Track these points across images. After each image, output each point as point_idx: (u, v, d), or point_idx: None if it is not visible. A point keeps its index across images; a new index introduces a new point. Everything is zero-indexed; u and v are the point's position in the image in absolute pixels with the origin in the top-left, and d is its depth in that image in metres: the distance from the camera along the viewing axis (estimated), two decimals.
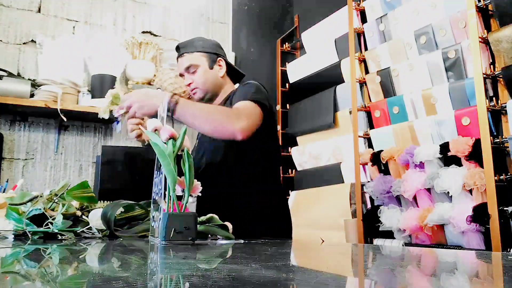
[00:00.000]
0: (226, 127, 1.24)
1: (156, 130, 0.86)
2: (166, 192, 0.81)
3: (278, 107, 3.21)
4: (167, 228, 0.75)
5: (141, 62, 2.82)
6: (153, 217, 0.86)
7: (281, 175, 2.90)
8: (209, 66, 1.57)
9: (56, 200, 0.97)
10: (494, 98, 1.78)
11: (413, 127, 2.07)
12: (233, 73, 1.67)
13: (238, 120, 1.26)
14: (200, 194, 0.85)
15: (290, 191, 2.82)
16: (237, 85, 1.65)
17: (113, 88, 1.88)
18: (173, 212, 0.79)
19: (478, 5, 1.84)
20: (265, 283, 0.39)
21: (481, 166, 1.75)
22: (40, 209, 0.91)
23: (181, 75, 1.59)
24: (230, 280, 0.41)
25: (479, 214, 1.69)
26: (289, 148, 2.93)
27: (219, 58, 1.60)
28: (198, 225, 0.80)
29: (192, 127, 1.25)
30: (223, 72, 1.60)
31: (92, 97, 2.57)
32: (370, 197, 2.28)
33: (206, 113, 1.27)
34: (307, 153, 2.76)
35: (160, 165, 0.84)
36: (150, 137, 0.85)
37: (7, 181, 1.65)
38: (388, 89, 2.27)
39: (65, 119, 2.49)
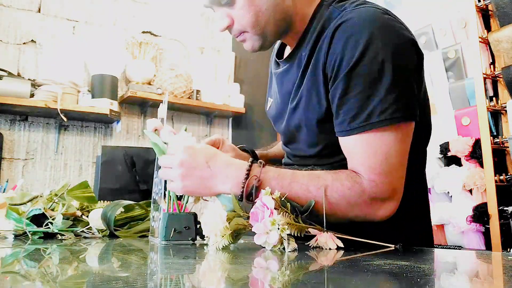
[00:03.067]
0: (356, 219, 0.74)
1: (156, 130, 0.86)
2: (166, 192, 0.81)
3: None
4: (167, 228, 0.75)
5: (141, 62, 2.82)
6: (153, 217, 0.86)
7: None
8: None
9: (56, 200, 0.97)
10: (494, 98, 1.78)
11: None
12: None
13: (380, 205, 0.73)
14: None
15: None
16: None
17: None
18: (173, 212, 0.79)
19: (478, 5, 1.84)
20: None
21: (481, 166, 1.75)
22: (40, 209, 0.91)
23: (207, 6, 0.83)
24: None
25: (479, 214, 1.69)
26: None
27: None
28: None
29: None
30: None
31: (92, 97, 2.57)
32: None
33: (316, 193, 0.71)
34: None
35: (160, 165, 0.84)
36: (150, 137, 0.85)
37: (7, 181, 1.65)
38: None
39: (65, 119, 2.48)
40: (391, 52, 0.71)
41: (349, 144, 0.75)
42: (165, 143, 0.82)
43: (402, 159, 0.74)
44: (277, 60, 0.95)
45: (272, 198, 0.66)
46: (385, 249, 0.67)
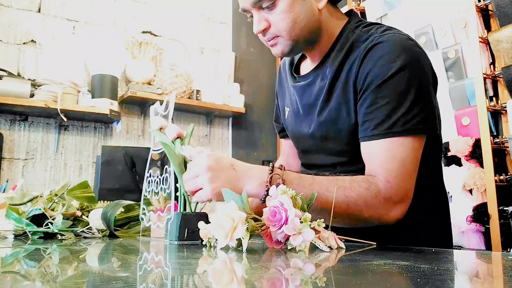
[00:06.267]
0: (370, 220, 0.79)
1: (161, 128, 0.84)
2: (178, 193, 0.79)
3: None
4: (181, 228, 0.74)
5: (141, 62, 2.82)
6: (147, 216, 0.86)
7: None
8: None
9: (56, 200, 0.97)
10: (494, 98, 1.78)
11: None
12: None
13: (392, 207, 0.79)
14: None
15: None
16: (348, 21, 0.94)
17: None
18: (186, 212, 0.78)
19: (478, 5, 1.84)
20: None
21: (481, 166, 1.75)
22: (40, 209, 0.91)
23: (245, 10, 0.89)
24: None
25: (479, 214, 1.69)
26: None
27: None
28: None
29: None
30: (325, 1, 0.88)
31: (92, 97, 2.57)
32: None
33: (336, 193, 0.76)
34: None
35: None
36: (157, 137, 0.84)
37: (7, 181, 1.65)
38: None
39: (65, 119, 2.48)
40: (416, 75, 0.81)
41: (371, 148, 0.82)
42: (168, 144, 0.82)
43: (415, 167, 0.81)
44: (295, 75, 1.01)
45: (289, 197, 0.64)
46: (386, 249, 0.67)
